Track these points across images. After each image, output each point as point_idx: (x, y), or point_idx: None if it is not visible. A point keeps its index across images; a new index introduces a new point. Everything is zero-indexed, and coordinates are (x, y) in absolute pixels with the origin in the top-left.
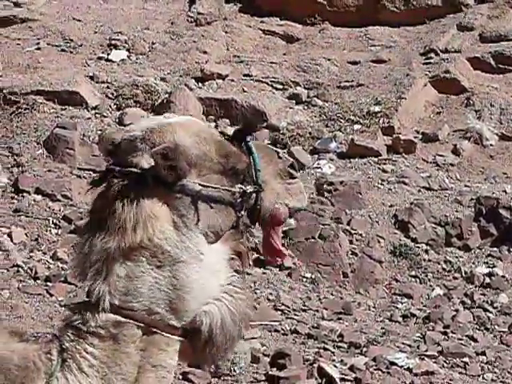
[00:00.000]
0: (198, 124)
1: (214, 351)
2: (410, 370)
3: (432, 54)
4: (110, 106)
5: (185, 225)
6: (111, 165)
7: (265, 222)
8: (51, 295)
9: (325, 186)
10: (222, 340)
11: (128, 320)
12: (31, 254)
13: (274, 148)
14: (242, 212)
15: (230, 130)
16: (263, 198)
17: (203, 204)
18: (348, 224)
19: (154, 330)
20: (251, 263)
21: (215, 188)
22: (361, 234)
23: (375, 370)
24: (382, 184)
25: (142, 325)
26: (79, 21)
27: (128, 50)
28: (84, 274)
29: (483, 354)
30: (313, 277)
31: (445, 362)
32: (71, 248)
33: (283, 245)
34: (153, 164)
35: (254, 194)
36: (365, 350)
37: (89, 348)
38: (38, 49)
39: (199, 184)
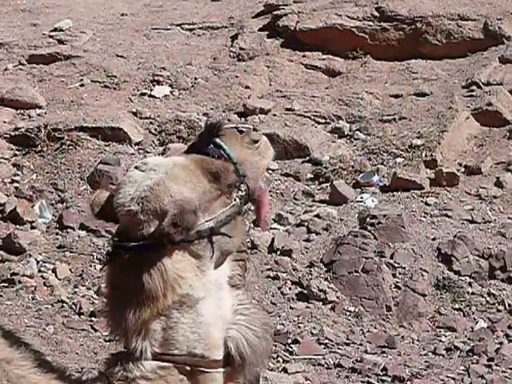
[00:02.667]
0: (179, 165)
1: (252, 370)
2: None
3: (474, 87)
4: (153, 142)
5: (203, 264)
6: (118, 241)
7: (255, 199)
8: (96, 330)
9: (368, 219)
10: (254, 357)
11: (171, 364)
12: (75, 290)
13: (231, 125)
14: (244, 208)
15: (274, 165)
16: (249, 181)
17: (222, 235)
18: (391, 257)
19: (198, 369)
20: (248, 266)
21: (220, 214)
22: (404, 268)
23: None
24: (424, 217)
25: (184, 367)
26: (122, 57)
27: (171, 85)
28: (123, 338)
29: None
30: (356, 310)
31: None
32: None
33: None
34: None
35: (245, 185)
36: (409, 383)
37: None
38: (82, 85)
39: (207, 221)
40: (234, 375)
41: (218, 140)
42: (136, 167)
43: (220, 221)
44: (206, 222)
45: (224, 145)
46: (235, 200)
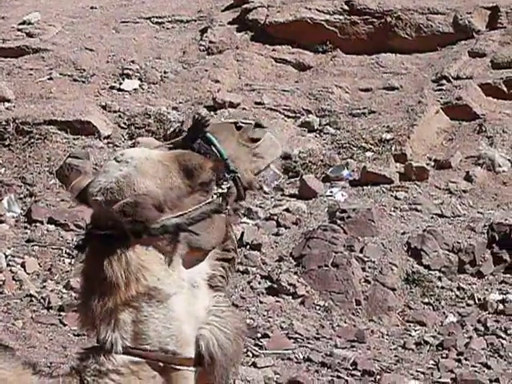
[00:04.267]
0: (152, 159)
1: (221, 371)
2: None
3: (444, 81)
4: (123, 136)
5: (171, 260)
6: (89, 228)
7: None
8: (64, 325)
9: (337, 213)
10: (224, 359)
11: (143, 360)
12: (44, 284)
13: (230, 120)
14: (228, 207)
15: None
16: (241, 178)
17: (191, 231)
18: (361, 251)
19: (170, 366)
20: (235, 270)
21: (192, 211)
22: (374, 262)
23: None
24: (394, 211)
25: (157, 363)
26: (91, 50)
27: (140, 79)
28: (93, 329)
29: (497, 381)
30: (326, 305)
31: None
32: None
33: None
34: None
35: (232, 182)
36: (378, 377)
37: (110, 382)
38: (51, 79)
39: (175, 217)
40: (206, 376)
41: (208, 135)
42: (115, 158)
43: (191, 218)
44: (174, 218)
45: (214, 140)
46: (213, 197)
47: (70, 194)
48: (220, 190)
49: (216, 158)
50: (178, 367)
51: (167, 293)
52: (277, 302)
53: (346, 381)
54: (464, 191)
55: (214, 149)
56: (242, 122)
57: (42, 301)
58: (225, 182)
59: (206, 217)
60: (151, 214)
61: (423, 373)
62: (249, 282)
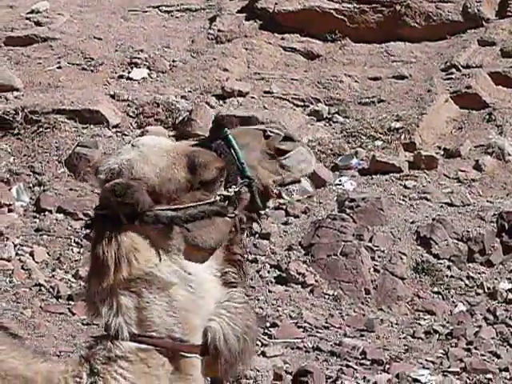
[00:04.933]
0: (161, 148)
1: (225, 365)
2: None
3: (453, 70)
4: (131, 124)
5: (167, 251)
6: (95, 208)
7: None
8: (73, 314)
9: (346, 202)
10: (229, 354)
11: (151, 347)
12: (53, 273)
13: (259, 127)
14: (236, 212)
15: None
16: (257, 185)
17: (186, 226)
18: (370, 241)
19: (179, 353)
20: (248, 272)
21: (190, 208)
22: (383, 251)
23: None
24: (403, 200)
25: (164, 350)
26: (100, 39)
27: (149, 68)
28: (98, 313)
29: (506, 370)
30: (335, 294)
31: (468, 378)
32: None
33: None
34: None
35: (246, 188)
36: (387, 366)
37: (119, 369)
38: (59, 68)
39: (170, 210)
40: (213, 367)
41: (230, 136)
42: (131, 142)
43: (188, 214)
44: (169, 210)
45: (234, 142)
46: (215, 198)
47: (90, 175)
48: (225, 193)
49: (232, 160)
50: (187, 354)
51: (167, 281)
52: (286, 291)
53: (355, 370)
54: (473, 180)
55: (232, 151)
56: (271, 132)
57: (50, 290)
58: (233, 186)
59: (205, 216)
60: (142, 198)
61: (432, 362)
62: (258, 271)
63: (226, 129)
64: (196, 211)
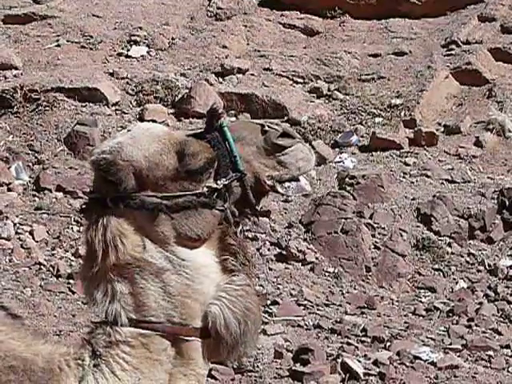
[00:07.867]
0: (153, 133)
1: (227, 348)
2: (433, 363)
3: (453, 46)
4: (131, 102)
5: (157, 237)
6: (89, 192)
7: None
8: (73, 293)
9: (346, 179)
10: (230, 337)
11: (152, 332)
12: (53, 252)
13: (258, 121)
14: (226, 205)
15: None
16: (250, 181)
17: (170, 214)
18: (370, 218)
19: (179, 336)
20: (250, 259)
21: (176, 197)
22: (383, 228)
23: (399, 364)
24: (404, 177)
25: (164, 334)
26: (98, 17)
27: (148, 45)
28: (94, 300)
29: (507, 347)
30: (335, 271)
31: (469, 355)
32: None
33: None
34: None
35: (237, 182)
36: (388, 344)
37: (121, 354)
38: (58, 46)
39: (156, 197)
40: (215, 351)
41: (225, 129)
42: (128, 127)
43: (174, 203)
44: (154, 196)
45: (229, 135)
46: (203, 189)
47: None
48: (214, 185)
49: (225, 153)
50: (186, 338)
51: (159, 267)
52: (286, 268)
53: (356, 347)
54: (474, 156)
55: (226, 144)
56: (270, 127)
57: (50, 269)
58: (223, 179)
59: (192, 207)
60: (125, 178)
61: (433, 339)
62: (258, 249)
63: (223, 120)
64: (182, 200)
